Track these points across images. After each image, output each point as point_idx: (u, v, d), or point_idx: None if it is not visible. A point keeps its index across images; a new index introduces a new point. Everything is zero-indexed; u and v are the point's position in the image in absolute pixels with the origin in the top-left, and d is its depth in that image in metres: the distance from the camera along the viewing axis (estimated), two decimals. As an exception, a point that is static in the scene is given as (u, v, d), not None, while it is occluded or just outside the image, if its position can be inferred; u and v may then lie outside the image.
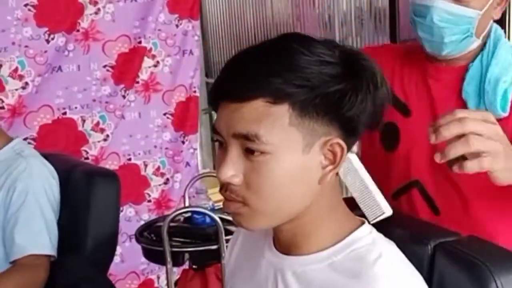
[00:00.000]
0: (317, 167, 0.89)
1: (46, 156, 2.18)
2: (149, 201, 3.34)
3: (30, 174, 1.94)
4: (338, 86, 0.86)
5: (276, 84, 0.85)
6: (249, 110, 0.86)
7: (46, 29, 2.95)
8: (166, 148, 3.37)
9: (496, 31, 1.36)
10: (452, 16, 1.29)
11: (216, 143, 0.94)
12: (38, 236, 1.90)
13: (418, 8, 1.33)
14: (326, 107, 0.86)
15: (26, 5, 2.89)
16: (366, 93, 0.88)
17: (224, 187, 0.91)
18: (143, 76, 3.25)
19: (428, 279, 0.98)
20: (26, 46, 2.91)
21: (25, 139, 2.92)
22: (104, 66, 3.13)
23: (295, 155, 0.87)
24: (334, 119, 0.88)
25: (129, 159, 3.27)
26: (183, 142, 3.40)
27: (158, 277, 3.34)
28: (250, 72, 0.87)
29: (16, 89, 2.91)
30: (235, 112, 0.87)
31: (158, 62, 3.29)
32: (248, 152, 0.87)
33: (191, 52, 3.36)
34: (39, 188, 1.94)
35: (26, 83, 2.93)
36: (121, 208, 3.13)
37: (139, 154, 3.29)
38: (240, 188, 0.89)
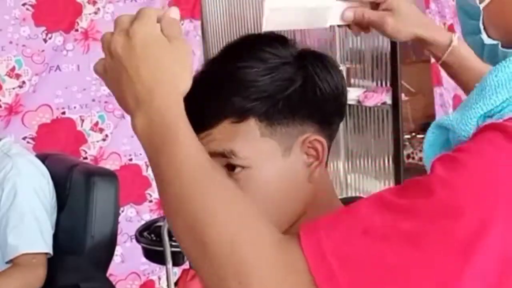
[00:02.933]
0: (302, 166, 0.89)
1: (45, 156, 2.18)
2: (151, 201, 3.34)
3: (17, 173, 1.94)
4: (295, 86, 0.87)
5: (234, 104, 0.85)
6: (218, 132, 0.86)
7: (43, 28, 2.94)
8: (168, 149, 3.36)
9: None
10: None
11: None
12: (30, 234, 1.91)
13: None
14: (291, 109, 0.87)
15: (24, 4, 2.89)
16: (323, 81, 0.89)
17: None
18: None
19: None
20: (23, 45, 2.91)
21: (24, 138, 2.93)
22: (104, 66, 3.13)
23: (276, 163, 0.87)
24: (304, 116, 0.88)
25: (130, 159, 3.26)
26: (184, 142, 3.40)
27: (159, 278, 3.33)
28: (206, 99, 0.87)
29: (13, 88, 2.91)
30: (206, 136, 0.87)
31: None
32: (230, 170, 0.87)
33: (192, 52, 3.35)
34: (27, 187, 1.94)
35: (23, 82, 2.93)
36: (122, 209, 3.14)
37: (141, 154, 3.28)
38: None
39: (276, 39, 0.92)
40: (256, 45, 0.90)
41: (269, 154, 0.87)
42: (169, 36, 0.75)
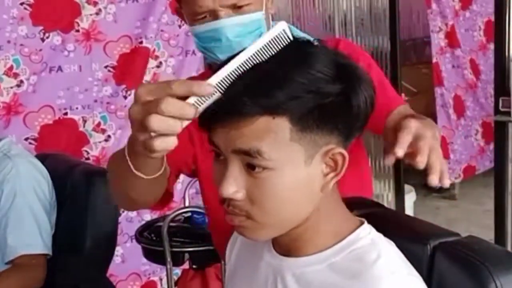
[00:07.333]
0: (319, 176, 0.90)
1: (45, 156, 2.18)
2: (152, 202, 3.33)
3: (17, 174, 1.93)
4: (334, 97, 0.87)
5: (274, 99, 0.84)
6: (249, 126, 0.85)
7: (41, 27, 2.94)
8: (170, 149, 3.35)
9: None
10: (243, 27, 1.33)
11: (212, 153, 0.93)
12: (29, 236, 1.91)
13: (206, 35, 1.35)
14: (324, 118, 0.87)
15: (22, 3, 2.89)
16: (361, 96, 0.89)
17: (226, 202, 0.91)
18: (147, 77, 3.24)
19: (427, 280, 0.97)
20: (21, 45, 2.90)
21: (26, 139, 2.92)
22: (106, 67, 3.12)
23: (297, 169, 0.88)
24: (334, 128, 0.88)
25: (133, 160, 3.25)
26: (187, 143, 3.39)
27: (161, 279, 3.32)
28: (247, 89, 0.85)
29: (11, 87, 2.91)
30: (235, 129, 0.86)
31: (161, 62, 3.27)
32: (250, 168, 0.87)
33: (193, 53, 3.35)
34: (27, 188, 1.94)
35: (21, 81, 2.93)
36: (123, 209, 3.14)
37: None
38: (243, 203, 0.89)
39: (326, 52, 0.91)
40: (307, 53, 0.89)
41: (294, 159, 0.87)
42: None
